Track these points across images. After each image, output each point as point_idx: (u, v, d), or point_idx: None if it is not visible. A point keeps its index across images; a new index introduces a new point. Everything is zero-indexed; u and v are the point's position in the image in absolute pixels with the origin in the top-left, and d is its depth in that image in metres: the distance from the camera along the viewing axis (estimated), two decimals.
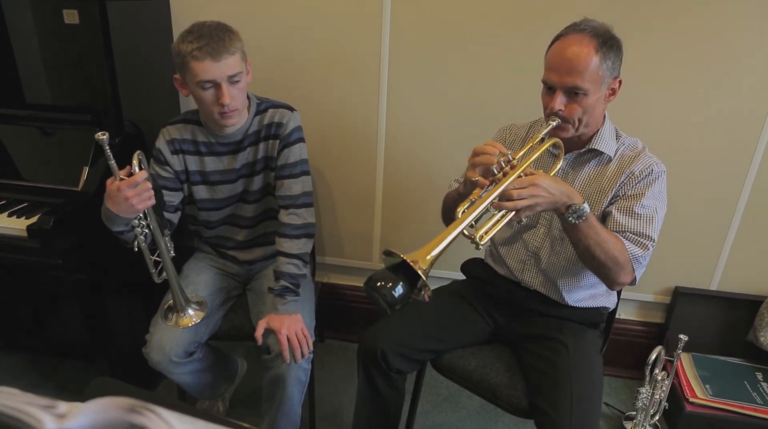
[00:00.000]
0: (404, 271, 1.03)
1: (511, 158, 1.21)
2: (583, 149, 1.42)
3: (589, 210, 1.25)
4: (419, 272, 1.02)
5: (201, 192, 1.64)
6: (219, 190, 1.64)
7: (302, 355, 1.52)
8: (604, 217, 1.43)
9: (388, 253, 1.07)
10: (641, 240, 1.35)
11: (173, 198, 1.59)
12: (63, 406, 0.42)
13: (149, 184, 1.31)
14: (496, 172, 1.20)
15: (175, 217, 1.62)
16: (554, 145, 1.40)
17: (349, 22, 1.92)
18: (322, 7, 1.92)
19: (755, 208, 1.95)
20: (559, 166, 1.40)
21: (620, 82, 1.34)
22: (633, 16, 1.76)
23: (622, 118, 1.52)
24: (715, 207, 1.97)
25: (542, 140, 1.33)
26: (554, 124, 1.32)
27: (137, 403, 0.44)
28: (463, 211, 1.14)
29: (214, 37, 1.38)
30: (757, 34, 1.73)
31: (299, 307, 1.59)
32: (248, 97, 1.57)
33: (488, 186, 1.20)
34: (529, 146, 1.30)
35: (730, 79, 1.79)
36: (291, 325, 1.52)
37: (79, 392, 1.92)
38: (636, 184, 1.38)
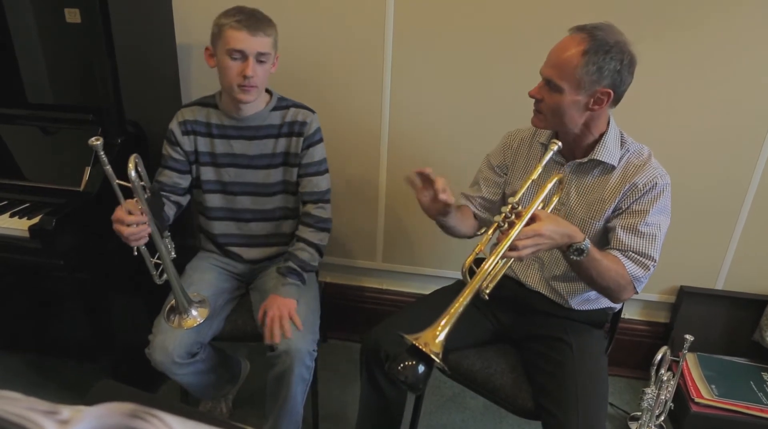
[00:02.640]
0: (419, 352, 1.12)
1: (515, 206, 1.21)
2: (585, 160, 1.40)
3: (590, 246, 1.25)
4: (432, 356, 1.10)
5: (208, 173, 1.67)
6: (225, 173, 1.67)
7: (284, 336, 1.52)
8: (606, 230, 1.43)
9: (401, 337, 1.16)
10: (643, 260, 1.35)
11: (183, 181, 1.65)
12: (65, 412, 0.41)
13: (145, 225, 1.33)
14: (503, 224, 1.21)
15: (183, 200, 1.68)
16: (556, 161, 1.43)
17: (351, 21, 1.92)
18: (324, 5, 1.91)
19: (761, 207, 1.94)
20: (556, 201, 1.40)
21: (609, 94, 1.27)
22: (641, 18, 1.75)
23: (628, 120, 1.51)
24: (720, 206, 1.96)
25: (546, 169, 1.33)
26: (555, 148, 1.29)
27: (140, 408, 0.43)
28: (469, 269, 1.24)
29: (256, 15, 1.49)
30: (764, 37, 1.72)
31: (298, 293, 1.60)
32: (270, 92, 1.65)
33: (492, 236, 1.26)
34: (529, 181, 1.29)
35: (736, 80, 1.78)
36: (281, 307, 1.54)
37: (81, 393, 1.91)
38: (640, 198, 1.36)
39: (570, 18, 1.70)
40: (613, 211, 1.40)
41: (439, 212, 1.39)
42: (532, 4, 1.80)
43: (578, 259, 1.26)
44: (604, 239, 1.45)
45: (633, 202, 1.37)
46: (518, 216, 1.20)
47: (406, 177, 1.37)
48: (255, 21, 1.47)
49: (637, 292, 1.37)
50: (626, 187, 1.36)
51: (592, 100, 1.29)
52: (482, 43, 1.87)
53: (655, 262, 1.36)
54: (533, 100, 1.37)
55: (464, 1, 1.83)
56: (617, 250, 1.36)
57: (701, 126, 1.86)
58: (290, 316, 1.54)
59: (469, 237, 1.60)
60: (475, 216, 1.61)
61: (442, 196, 1.32)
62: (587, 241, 1.25)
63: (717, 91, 1.81)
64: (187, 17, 1.99)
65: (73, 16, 1.63)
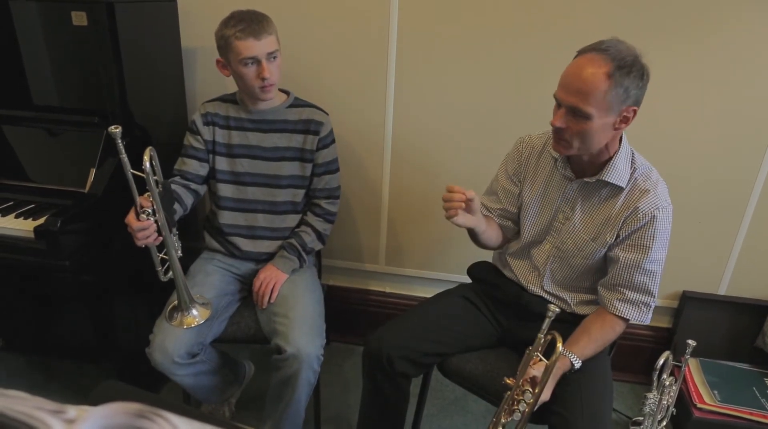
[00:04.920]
0: None
1: (523, 387, 1.29)
2: (593, 180, 1.39)
3: (579, 361, 1.36)
4: None
5: (222, 163, 1.74)
6: (239, 164, 1.73)
7: (269, 300, 1.67)
8: (606, 258, 1.45)
9: None
10: (644, 300, 1.41)
11: (202, 169, 1.74)
12: (72, 411, 0.41)
13: (153, 228, 1.39)
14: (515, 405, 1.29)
15: (201, 189, 1.76)
16: (566, 176, 1.45)
17: (355, 26, 1.92)
18: (328, 9, 1.92)
19: (764, 212, 1.94)
20: (561, 216, 1.46)
21: (635, 111, 1.26)
22: (643, 25, 1.75)
23: (632, 127, 1.51)
24: (723, 211, 1.96)
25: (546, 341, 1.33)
26: (552, 315, 1.28)
27: (146, 408, 0.43)
28: None
29: (254, 20, 1.54)
30: (766, 45, 1.73)
31: (290, 269, 1.73)
32: (287, 92, 1.75)
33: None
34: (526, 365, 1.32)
35: (740, 83, 1.79)
36: (271, 276, 1.68)
37: (83, 394, 1.92)
38: (639, 230, 1.36)
39: (575, 22, 1.71)
40: (615, 239, 1.40)
41: (471, 212, 1.40)
42: (538, 9, 1.80)
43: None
44: (603, 264, 1.47)
45: (633, 232, 1.37)
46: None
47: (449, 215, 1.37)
48: (256, 25, 1.53)
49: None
50: (629, 212, 1.37)
51: (618, 119, 1.27)
52: (486, 49, 1.88)
53: (655, 297, 1.41)
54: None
55: (468, 7, 1.84)
56: (618, 284, 1.41)
57: (704, 132, 1.86)
58: (272, 288, 1.66)
59: (499, 246, 1.63)
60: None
61: (470, 195, 1.34)
62: (576, 363, 1.35)
63: (720, 98, 1.81)
64: (192, 21, 2.01)
65: (79, 18, 1.64)
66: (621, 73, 1.20)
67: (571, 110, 1.25)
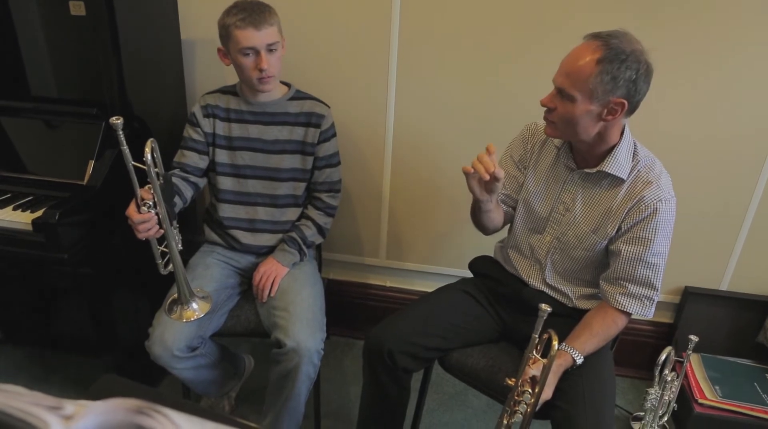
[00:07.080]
0: None
1: (522, 388, 1.29)
2: (593, 171, 1.39)
3: (581, 357, 1.36)
4: None
5: (222, 156, 1.72)
6: (239, 157, 1.72)
7: (270, 294, 1.66)
8: (607, 250, 1.44)
9: None
10: (647, 293, 1.40)
11: (202, 162, 1.72)
12: (70, 407, 0.41)
13: (154, 221, 1.38)
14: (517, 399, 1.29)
15: (201, 182, 1.75)
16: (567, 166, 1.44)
17: (357, 18, 1.90)
18: (331, 2, 1.90)
19: (767, 208, 1.93)
20: (562, 208, 1.46)
21: (623, 104, 1.24)
22: (646, 19, 1.74)
23: (636, 119, 1.50)
24: (726, 207, 1.95)
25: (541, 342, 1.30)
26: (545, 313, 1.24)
27: (145, 404, 0.42)
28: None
29: (256, 10, 1.53)
30: None
31: (290, 262, 1.71)
32: (288, 84, 1.74)
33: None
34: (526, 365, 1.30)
35: (742, 81, 1.77)
36: (271, 269, 1.67)
37: (83, 387, 1.92)
38: (642, 222, 1.35)
39: (577, 22, 1.70)
40: (617, 232, 1.40)
41: (489, 191, 1.36)
42: (540, 7, 1.78)
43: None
44: (605, 257, 1.46)
45: (635, 224, 1.36)
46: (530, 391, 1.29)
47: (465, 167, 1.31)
48: (257, 15, 1.52)
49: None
50: (632, 203, 1.36)
51: (605, 110, 1.26)
52: (489, 44, 1.86)
53: (658, 291, 1.40)
54: (545, 109, 1.34)
55: (469, 3, 1.82)
56: (620, 278, 1.40)
57: (708, 127, 1.85)
58: (273, 281, 1.65)
59: (497, 230, 1.61)
60: None
61: (499, 173, 1.28)
62: (578, 359, 1.35)
63: (724, 94, 1.80)
64: (192, 12, 1.99)
65: (77, 8, 1.62)
66: (611, 62, 1.20)
67: (559, 91, 1.28)
